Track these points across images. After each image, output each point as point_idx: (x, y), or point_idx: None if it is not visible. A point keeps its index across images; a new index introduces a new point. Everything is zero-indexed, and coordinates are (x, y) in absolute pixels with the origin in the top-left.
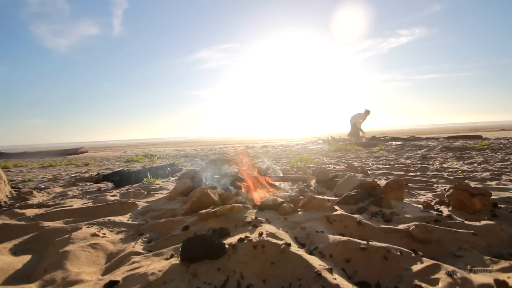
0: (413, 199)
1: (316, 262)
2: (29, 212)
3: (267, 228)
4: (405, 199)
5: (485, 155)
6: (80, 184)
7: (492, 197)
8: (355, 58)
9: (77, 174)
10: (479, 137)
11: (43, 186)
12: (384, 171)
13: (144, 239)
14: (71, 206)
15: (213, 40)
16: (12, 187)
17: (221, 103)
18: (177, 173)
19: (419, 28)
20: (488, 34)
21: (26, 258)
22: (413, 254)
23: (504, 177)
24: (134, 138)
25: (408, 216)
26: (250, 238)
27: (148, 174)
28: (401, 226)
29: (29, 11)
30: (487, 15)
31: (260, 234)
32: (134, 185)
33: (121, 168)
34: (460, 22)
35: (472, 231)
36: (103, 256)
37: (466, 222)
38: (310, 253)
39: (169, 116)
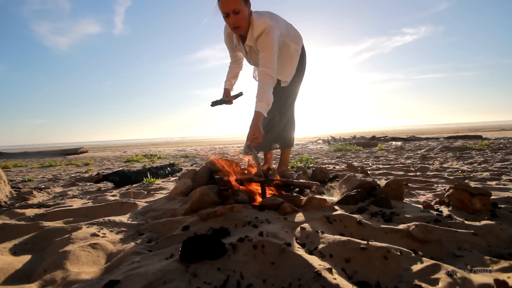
0: (413, 199)
1: (316, 262)
2: (29, 212)
3: (267, 228)
4: (405, 199)
5: (485, 155)
6: (80, 184)
7: (492, 197)
8: (358, 57)
9: (77, 174)
10: (479, 137)
11: (43, 186)
12: (384, 171)
13: (144, 239)
14: (71, 206)
15: (215, 39)
16: (12, 187)
17: None
18: (177, 173)
19: (425, 26)
20: (494, 32)
21: (26, 258)
22: (413, 254)
23: (504, 177)
24: (134, 138)
25: (408, 216)
26: (250, 238)
27: (148, 174)
28: (401, 226)
29: (29, 8)
30: (495, 12)
31: (260, 234)
32: (134, 185)
33: (121, 168)
34: (467, 20)
35: (472, 231)
36: (103, 256)
37: (466, 222)
38: (310, 253)
39: (169, 116)
